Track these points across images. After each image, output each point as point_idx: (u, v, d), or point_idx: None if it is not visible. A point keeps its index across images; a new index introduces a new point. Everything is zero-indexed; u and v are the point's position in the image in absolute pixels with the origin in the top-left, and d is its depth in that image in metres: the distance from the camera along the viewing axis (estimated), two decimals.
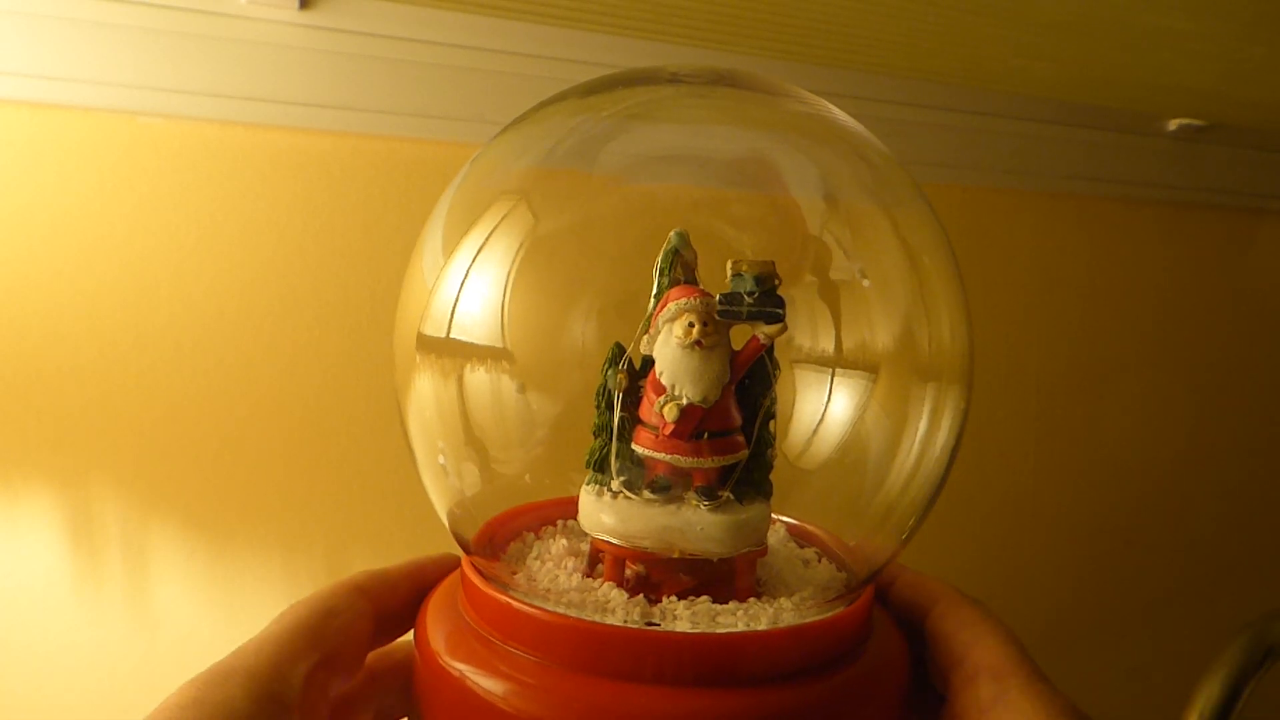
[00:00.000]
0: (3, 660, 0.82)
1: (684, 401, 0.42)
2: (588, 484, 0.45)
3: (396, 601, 0.48)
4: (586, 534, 0.45)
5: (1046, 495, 1.28)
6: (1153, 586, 1.39)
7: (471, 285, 0.45)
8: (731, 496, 0.43)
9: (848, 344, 0.45)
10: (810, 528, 0.52)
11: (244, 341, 0.85)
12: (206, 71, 0.81)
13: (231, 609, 0.88)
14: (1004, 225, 1.19)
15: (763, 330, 0.42)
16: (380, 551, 0.92)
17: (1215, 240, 1.36)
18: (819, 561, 0.49)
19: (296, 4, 0.81)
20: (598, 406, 0.44)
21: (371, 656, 0.47)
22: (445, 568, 0.50)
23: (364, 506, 0.91)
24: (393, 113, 0.87)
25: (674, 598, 0.43)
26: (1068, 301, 1.25)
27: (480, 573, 0.45)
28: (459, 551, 0.49)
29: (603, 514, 0.43)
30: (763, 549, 0.45)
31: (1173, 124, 1.22)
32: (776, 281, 0.42)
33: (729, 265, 0.42)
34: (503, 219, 0.46)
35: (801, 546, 0.51)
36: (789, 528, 0.53)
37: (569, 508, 0.46)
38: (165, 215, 0.82)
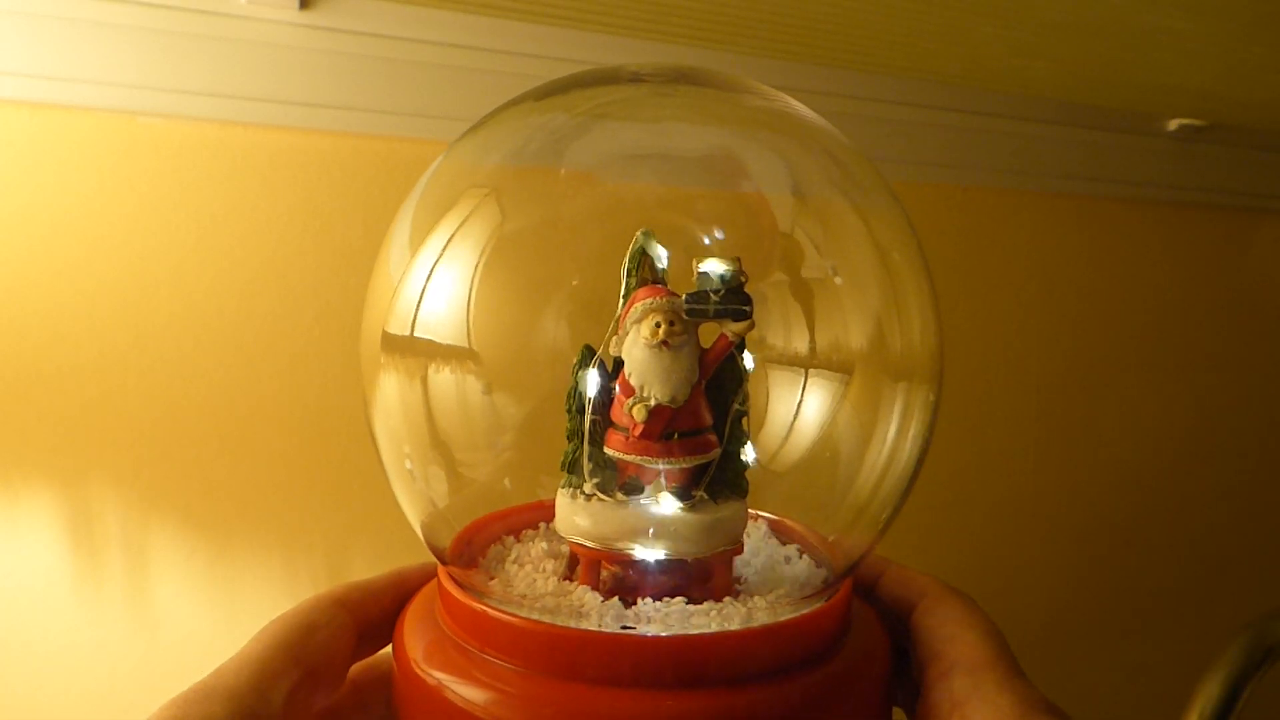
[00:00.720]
0: (3, 660, 0.83)
1: (652, 402, 0.42)
2: (562, 487, 0.45)
3: (379, 613, 0.47)
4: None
5: (1046, 495, 1.27)
6: (1153, 586, 1.39)
7: (437, 284, 0.45)
8: (705, 496, 0.43)
9: (817, 340, 0.45)
10: (791, 524, 0.52)
11: (244, 341, 0.86)
12: (206, 71, 0.81)
13: (231, 609, 0.88)
14: (1004, 225, 1.19)
15: (730, 328, 0.42)
16: (380, 551, 0.92)
17: (1215, 240, 1.35)
18: (800, 558, 0.49)
19: (296, 4, 0.81)
20: (569, 410, 0.44)
21: (355, 669, 0.47)
22: (428, 576, 0.50)
23: (364, 506, 0.91)
24: (393, 113, 0.87)
25: (649, 600, 0.43)
26: (1068, 301, 1.25)
27: (456, 580, 0.45)
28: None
29: (576, 517, 0.43)
30: (738, 548, 0.45)
31: (1173, 124, 1.22)
32: (743, 279, 0.42)
33: (695, 264, 0.42)
34: (468, 217, 0.46)
35: (783, 544, 0.51)
36: (771, 524, 0.53)
37: (549, 511, 0.46)
38: (165, 215, 0.83)
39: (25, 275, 0.80)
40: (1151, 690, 1.38)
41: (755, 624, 0.41)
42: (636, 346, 0.42)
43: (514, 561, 0.47)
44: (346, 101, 0.85)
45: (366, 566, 0.91)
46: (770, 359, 0.45)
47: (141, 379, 0.83)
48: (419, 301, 0.45)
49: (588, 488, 0.44)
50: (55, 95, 0.78)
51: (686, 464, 0.43)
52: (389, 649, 0.47)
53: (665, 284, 0.43)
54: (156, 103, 0.80)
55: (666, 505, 0.43)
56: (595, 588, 0.44)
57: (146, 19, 0.79)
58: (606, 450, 0.43)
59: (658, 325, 0.41)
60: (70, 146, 0.80)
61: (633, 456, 0.43)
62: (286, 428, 0.88)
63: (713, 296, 0.41)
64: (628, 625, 0.41)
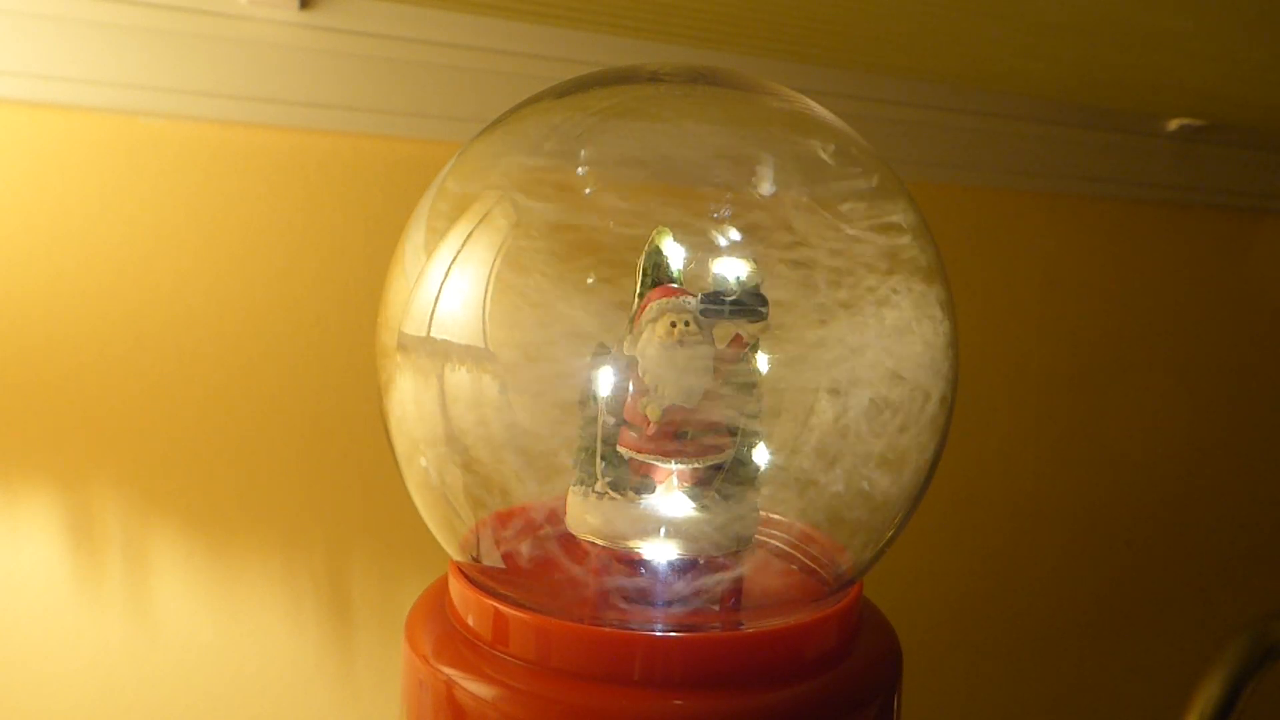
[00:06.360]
0: (3, 660, 0.82)
1: (666, 401, 0.42)
2: (574, 485, 0.45)
3: None
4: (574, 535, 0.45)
5: (1046, 495, 1.27)
6: (1153, 586, 1.39)
7: (452, 284, 0.45)
8: (718, 496, 0.43)
9: (832, 341, 0.45)
10: (799, 526, 0.52)
11: (244, 341, 0.86)
12: (207, 71, 0.81)
13: (231, 609, 0.88)
14: (1004, 225, 1.19)
15: (745, 329, 0.42)
16: (381, 551, 0.92)
17: (1215, 240, 1.36)
18: (807, 561, 0.49)
19: (297, 4, 0.81)
20: (582, 407, 0.44)
21: None
22: None
23: (364, 506, 0.91)
24: (393, 113, 0.87)
25: (660, 599, 0.43)
26: (1068, 302, 1.25)
27: (466, 576, 0.45)
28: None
29: (588, 515, 0.43)
30: (750, 548, 0.45)
31: (1173, 124, 1.22)
32: (758, 280, 0.42)
33: (710, 264, 0.42)
34: (485, 217, 0.46)
35: (790, 546, 0.51)
36: (777, 526, 0.53)
37: (558, 509, 0.46)
38: (165, 216, 0.82)
39: (25, 276, 0.79)
40: (1151, 690, 1.38)
41: (769, 625, 0.41)
42: (651, 346, 0.42)
43: (522, 560, 0.47)
44: (347, 101, 0.85)
45: (366, 566, 0.91)
46: (785, 360, 0.45)
47: (142, 379, 0.83)
48: (435, 301, 0.45)
49: (599, 486, 0.44)
50: (55, 95, 0.78)
51: (699, 464, 0.43)
52: None
53: (681, 284, 0.43)
54: (157, 103, 0.80)
55: (678, 505, 0.43)
56: (605, 587, 0.44)
57: (146, 19, 0.78)
58: (619, 449, 0.43)
59: (672, 325, 0.41)
60: (70, 147, 0.79)
61: (645, 455, 0.43)
62: (287, 427, 0.88)
63: (728, 297, 0.42)
64: (639, 625, 0.41)
